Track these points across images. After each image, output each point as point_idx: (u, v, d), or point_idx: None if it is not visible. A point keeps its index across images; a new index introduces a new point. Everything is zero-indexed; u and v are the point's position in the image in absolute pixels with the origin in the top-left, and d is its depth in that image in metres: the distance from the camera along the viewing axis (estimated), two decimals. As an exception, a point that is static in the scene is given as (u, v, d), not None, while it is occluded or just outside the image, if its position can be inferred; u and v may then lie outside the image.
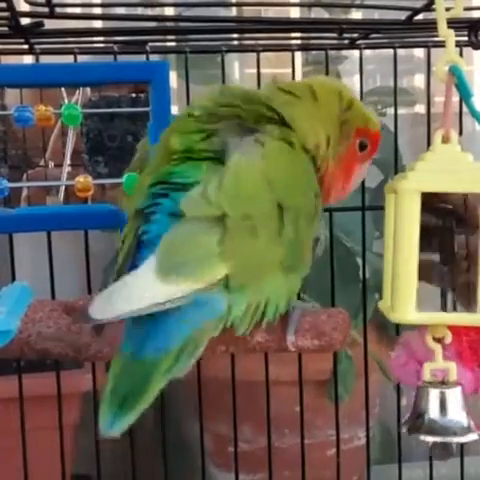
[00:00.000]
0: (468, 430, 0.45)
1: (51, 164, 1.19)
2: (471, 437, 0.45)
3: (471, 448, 1.02)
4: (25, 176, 1.11)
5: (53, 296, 0.74)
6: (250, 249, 0.48)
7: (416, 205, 0.44)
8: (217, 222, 0.47)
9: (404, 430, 0.47)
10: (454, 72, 0.45)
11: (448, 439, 0.45)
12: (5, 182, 0.66)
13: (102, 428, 0.44)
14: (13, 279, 0.74)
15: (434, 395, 0.46)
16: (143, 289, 0.46)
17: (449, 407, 0.46)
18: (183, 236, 0.47)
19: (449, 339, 0.46)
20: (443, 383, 0.46)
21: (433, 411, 0.46)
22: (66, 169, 0.86)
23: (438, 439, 0.45)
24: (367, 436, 0.89)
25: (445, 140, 0.46)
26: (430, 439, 0.46)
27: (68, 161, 0.85)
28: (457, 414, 0.46)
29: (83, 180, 0.68)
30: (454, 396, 0.46)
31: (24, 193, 1.11)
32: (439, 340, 0.46)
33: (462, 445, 0.87)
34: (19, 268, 0.75)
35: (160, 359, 0.46)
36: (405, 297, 0.44)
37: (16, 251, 0.76)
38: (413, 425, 0.47)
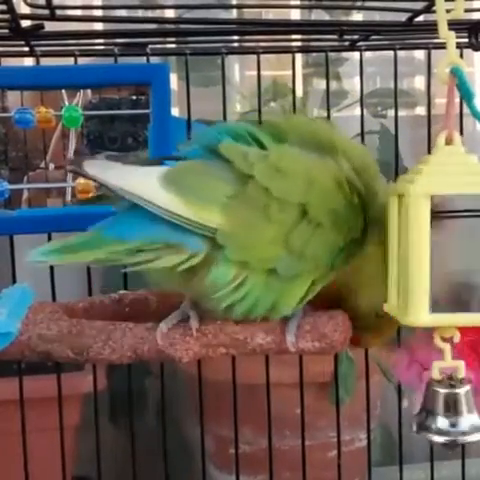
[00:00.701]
0: (477, 429, 0.45)
1: (52, 166, 1.19)
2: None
3: (472, 450, 1.02)
4: (26, 178, 1.11)
5: (54, 298, 0.74)
6: (253, 225, 0.48)
7: (426, 208, 0.43)
8: (241, 179, 0.48)
9: (413, 429, 0.47)
10: (455, 73, 0.45)
11: (457, 439, 0.45)
12: (6, 184, 0.67)
13: (32, 253, 0.47)
14: (14, 281, 0.74)
15: (443, 394, 0.46)
16: (140, 180, 0.48)
17: (458, 406, 0.46)
18: (205, 168, 0.49)
19: (458, 338, 0.46)
20: (451, 382, 0.46)
21: (442, 410, 0.46)
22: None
23: (447, 439, 0.45)
24: (368, 438, 0.89)
25: (448, 142, 0.45)
26: (439, 439, 0.45)
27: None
28: (466, 413, 0.45)
29: (84, 182, 0.68)
30: (463, 394, 0.46)
31: (25, 195, 1.11)
32: (447, 340, 0.46)
33: (463, 446, 0.87)
34: (20, 270, 0.75)
35: (115, 242, 0.47)
36: (418, 300, 0.44)
37: (17, 253, 0.76)
38: (422, 424, 0.46)
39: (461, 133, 0.78)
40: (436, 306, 0.44)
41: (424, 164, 0.45)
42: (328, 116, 0.82)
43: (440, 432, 0.45)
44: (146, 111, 0.67)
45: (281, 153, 0.50)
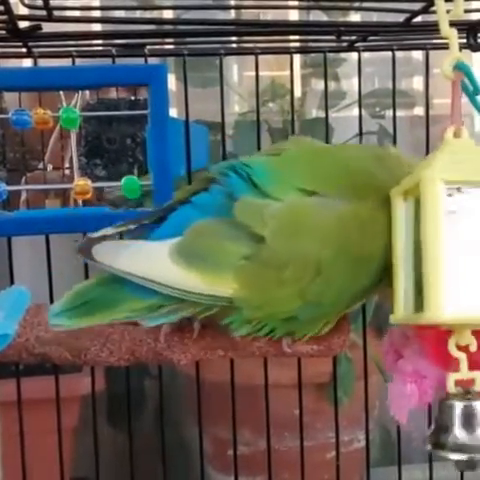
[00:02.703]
0: None
1: (50, 167, 1.19)
2: None
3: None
4: (24, 179, 1.11)
5: (51, 300, 0.74)
6: (268, 286, 0.47)
7: (441, 194, 0.42)
8: (255, 240, 0.47)
9: (428, 448, 0.44)
10: (462, 68, 0.44)
11: (475, 456, 0.43)
12: (3, 185, 0.66)
13: (49, 313, 0.47)
14: (12, 283, 0.74)
15: (458, 409, 0.43)
16: (150, 262, 0.47)
17: (475, 421, 0.43)
18: (217, 231, 0.47)
19: (474, 347, 0.43)
20: (468, 395, 0.44)
21: (458, 426, 0.43)
22: (76, 171, 0.86)
23: (464, 457, 0.43)
24: (367, 438, 0.89)
25: (456, 136, 0.44)
26: (456, 457, 0.43)
27: (75, 164, 0.85)
28: None
29: (82, 183, 0.68)
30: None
31: (23, 196, 1.11)
32: (463, 348, 0.44)
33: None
34: (18, 271, 0.75)
35: (135, 300, 0.47)
36: (436, 294, 0.41)
37: (15, 254, 0.76)
38: (437, 441, 0.44)
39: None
40: (457, 302, 0.42)
41: (434, 156, 0.44)
42: (326, 117, 0.82)
43: (457, 449, 0.43)
44: (144, 112, 0.67)
45: (295, 208, 0.48)
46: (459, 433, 0.43)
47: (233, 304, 0.47)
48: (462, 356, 0.43)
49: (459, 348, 0.44)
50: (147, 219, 0.51)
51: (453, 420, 0.44)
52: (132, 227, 0.51)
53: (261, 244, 0.47)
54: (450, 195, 0.43)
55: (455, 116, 0.45)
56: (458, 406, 0.44)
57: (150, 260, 0.47)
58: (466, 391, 0.44)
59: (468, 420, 0.43)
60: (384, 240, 0.47)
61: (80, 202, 0.72)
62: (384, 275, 0.48)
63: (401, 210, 0.46)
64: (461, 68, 0.44)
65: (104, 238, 0.49)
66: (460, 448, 0.43)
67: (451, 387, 0.43)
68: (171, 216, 0.50)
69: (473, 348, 0.43)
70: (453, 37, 0.45)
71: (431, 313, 0.42)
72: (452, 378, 0.43)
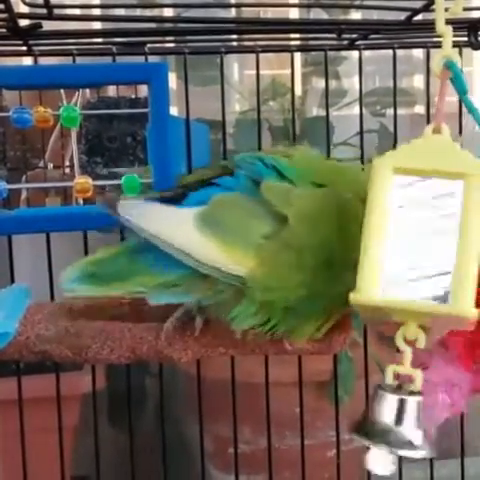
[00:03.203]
0: (414, 446, 0.42)
1: (50, 165, 1.19)
2: (420, 453, 0.42)
3: (472, 449, 1.02)
4: (24, 178, 1.11)
5: (52, 297, 0.74)
6: (284, 268, 0.47)
7: (388, 180, 0.42)
8: (278, 220, 0.47)
9: (352, 433, 0.44)
10: (450, 67, 0.44)
11: (388, 449, 0.42)
12: (4, 184, 0.66)
13: (63, 281, 0.47)
14: (12, 281, 0.74)
15: (389, 401, 0.43)
16: (175, 223, 0.47)
17: (402, 416, 0.43)
18: (243, 206, 0.48)
19: (422, 342, 0.43)
20: (403, 388, 0.43)
21: (386, 417, 0.43)
22: (77, 169, 0.86)
23: (379, 447, 0.42)
24: (367, 437, 0.89)
25: (436, 132, 0.44)
26: (368, 443, 0.42)
27: (76, 162, 0.85)
28: (409, 425, 0.43)
29: (82, 181, 0.68)
30: (411, 406, 0.43)
31: (23, 195, 1.11)
32: (410, 343, 0.43)
33: (462, 445, 0.87)
34: (18, 270, 0.75)
35: (150, 274, 0.47)
36: (370, 277, 0.42)
37: (15, 253, 0.76)
38: (358, 426, 0.44)
39: (460, 132, 0.78)
40: (392, 288, 0.42)
41: (404, 145, 0.44)
42: (327, 115, 0.81)
43: (374, 438, 0.42)
44: (145, 110, 0.67)
45: (316, 194, 0.49)
46: (384, 424, 0.43)
47: (245, 286, 0.47)
48: (407, 350, 0.43)
49: (407, 342, 0.43)
50: (168, 194, 0.51)
51: (382, 410, 0.43)
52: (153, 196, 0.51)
53: (283, 225, 0.47)
54: (403, 187, 0.43)
55: (438, 113, 0.45)
56: (389, 398, 0.43)
57: (174, 223, 0.47)
58: (398, 386, 0.44)
59: (397, 414, 0.43)
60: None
61: (81, 200, 0.72)
62: None
63: (380, 185, 0.44)
64: (449, 67, 0.44)
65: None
66: (382, 439, 0.43)
67: (389, 378, 0.43)
68: (193, 193, 0.50)
69: (420, 343, 0.43)
70: (447, 35, 0.45)
71: (363, 295, 0.42)
72: (391, 370, 0.43)
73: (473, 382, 0.47)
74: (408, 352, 0.43)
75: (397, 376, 0.43)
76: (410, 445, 0.42)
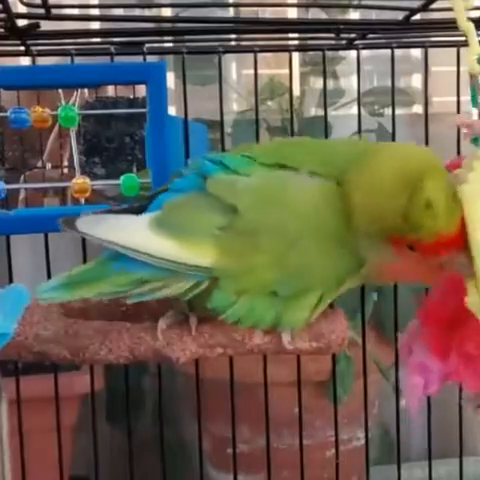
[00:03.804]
0: None
1: (48, 166, 1.19)
2: None
3: (470, 448, 1.02)
4: (22, 178, 1.11)
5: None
6: (245, 254, 0.48)
7: None
8: (228, 211, 0.48)
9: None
10: None
11: None
12: (2, 184, 0.66)
13: (38, 291, 0.48)
14: (10, 281, 0.74)
15: None
16: (130, 231, 0.49)
17: None
18: (195, 202, 0.50)
19: None
20: None
21: None
22: (77, 169, 0.86)
23: None
24: (366, 437, 0.89)
25: None
26: None
27: (76, 162, 0.85)
28: None
29: (80, 182, 0.68)
30: None
31: (22, 195, 1.11)
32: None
33: (461, 444, 0.87)
34: (16, 270, 0.75)
35: (120, 274, 0.48)
36: None
37: (13, 253, 0.76)
38: None
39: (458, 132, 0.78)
40: None
41: None
42: (325, 115, 0.81)
43: None
44: (143, 110, 0.67)
45: (265, 180, 0.50)
46: None
47: (213, 275, 0.48)
48: None
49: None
50: (131, 207, 0.53)
51: None
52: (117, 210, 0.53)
53: (235, 215, 0.48)
54: None
55: None
56: None
57: (130, 230, 0.49)
58: None
59: None
60: (347, 222, 0.48)
61: (82, 201, 0.72)
62: (363, 262, 0.49)
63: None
64: None
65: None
66: None
67: None
68: (152, 202, 0.52)
69: None
70: (471, 31, 0.44)
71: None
72: None
73: (443, 369, 0.49)
74: None
75: None
76: None
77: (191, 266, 0.48)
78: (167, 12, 1.22)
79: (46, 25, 0.68)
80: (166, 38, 0.84)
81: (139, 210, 0.52)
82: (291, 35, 0.83)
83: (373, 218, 0.47)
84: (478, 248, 0.43)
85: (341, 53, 1.23)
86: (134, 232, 0.49)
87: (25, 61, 0.92)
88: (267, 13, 1.36)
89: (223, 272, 0.48)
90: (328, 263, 0.49)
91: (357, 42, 0.80)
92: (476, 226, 0.44)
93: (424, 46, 0.80)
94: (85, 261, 0.75)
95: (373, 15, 1.06)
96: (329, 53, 0.80)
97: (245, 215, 0.48)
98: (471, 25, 0.44)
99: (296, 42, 0.85)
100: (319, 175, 0.50)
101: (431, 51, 0.81)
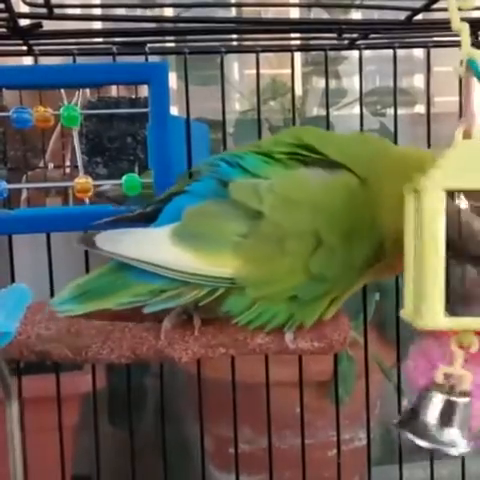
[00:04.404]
0: (461, 445, 0.44)
1: (51, 165, 1.19)
2: (461, 451, 0.44)
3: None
4: (24, 177, 1.11)
5: (52, 297, 0.74)
6: (269, 260, 0.48)
7: (441, 204, 0.41)
8: (251, 217, 0.48)
9: (396, 426, 0.45)
10: (471, 65, 0.43)
11: (437, 447, 0.44)
12: (4, 184, 0.66)
13: (52, 302, 0.48)
14: (12, 281, 0.74)
15: (438, 401, 0.44)
16: (154, 244, 0.48)
17: (452, 417, 0.44)
18: (213, 212, 0.48)
19: (476, 348, 0.44)
20: (451, 390, 0.44)
21: (431, 415, 0.44)
22: (81, 168, 0.86)
23: (428, 445, 0.44)
24: (368, 437, 0.89)
25: (466, 136, 0.43)
26: (420, 443, 0.44)
27: (80, 161, 0.85)
28: (458, 425, 0.44)
29: (83, 181, 0.68)
30: (460, 406, 0.44)
31: (24, 195, 1.11)
32: (464, 347, 0.44)
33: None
34: (19, 270, 0.75)
35: (138, 284, 0.48)
36: (433, 302, 0.42)
37: (15, 253, 0.76)
38: (408, 423, 0.45)
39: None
40: (454, 309, 0.42)
41: (442, 159, 0.43)
42: (327, 115, 0.81)
43: (423, 436, 0.44)
44: (145, 110, 0.67)
45: (287, 181, 0.49)
46: (431, 423, 0.44)
47: (235, 285, 0.48)
48: (459, 353, 0.44)
49: (461, 347, 0.44)
50: (144, 210, 0.53)
51: (429, 409, 0.44)
52: (131, 216, 0.53)
53: (258, 220, 0.47)
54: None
55: (468, 113, 0.44)
56: (439, 398, 0.44)
57: (151, 244, 0.48)
58: (450, 387, 0.44)
59: (444, 414, 0.44)
60: (371, 214, 0.48)
61: (87, 200, 0.72)
62: (380, 254, 0.49)
63: (411, 206, 0.45)
64: (470, 65, 0.43)
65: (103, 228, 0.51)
66: (427, 437, 0.44)
67: (439, 378, 0.44)
68: (167, 206, 0.51)
69: (474, 348, 0.44)
70: (465, 32, 0.44)
71: (427, 320, 0.42)
72: (442, 370, 0.44)
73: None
74: (460, 356, 0.44)
75: (446, 377, 0.44)
76: (453, 444, 0.44)
77: (213, 277, 0.47)
78: (169, 12, 1.23)
79: (48, 25, 0.68)
80: (168, 38, 0.84)
81: (153, 215, 0.51)
82: (293, 35, 0.83)
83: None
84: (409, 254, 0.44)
85: (343, 53, 1.23)
86: (157, 247, 0.48)
87: (27, 61, 0.92)
88: (269, 13, 1.36)
89: (245, 280, 0.48)
90: (350, 263, 0.49)
91: (359, 42, 0.80)
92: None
93: (426, 46, 0.80)
94: (87, 260, 0.75)
95: (375, 15, 1.06)
96: (331, 53, 0.80)
97: (271, 220, 0.47)
98: (465, 25, 0.43)
99: (298, 42, 0.85)
100: (339, 167, 0.50)
101: (433, 51, 0.81)
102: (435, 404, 0.44)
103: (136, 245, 0.48)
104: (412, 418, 0.45)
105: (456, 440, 0.44)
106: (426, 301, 0.42)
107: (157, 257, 0.47)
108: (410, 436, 0.44)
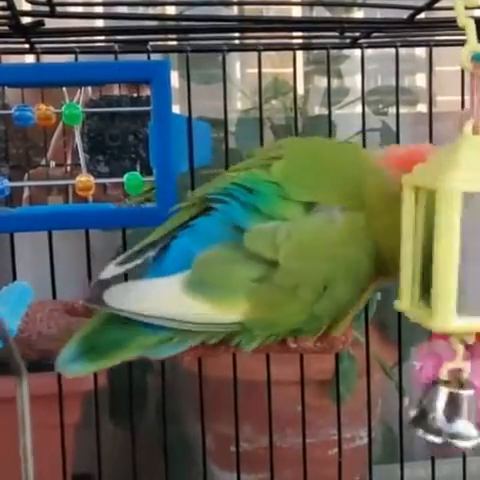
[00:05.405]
0: (473, 436, 0.44)
1: (52, 163, 1.19)
2: (473, 443, 0.44)
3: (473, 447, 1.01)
4: (26, 175, 1.11)
5: (54, 296, 0.74)
6: (279, 305, 0.48)
7: (457, 206, 0.41)
8: (265, 264, 0.47)
9: (409, 423, 0.46)
10: (477, 60, 0.43)
11: (450, 441, 0.44)
12: (6, 182, 0.66)
13: (59, 362, 0.46)
14: (14, 279, 0.74)
15: (445, 394, 0.45)
16: (165, 297, 0.46)
17: (459, 409, 0.44)
18: (225, 259, 0.47)
19: (471, 340, 0.44)
20: (458, 385, 0.45)
21: (441, 410, 0.45)
22: (83, 166, 0.86)
23: (439, 440, 0.44)
24: (369, 435, 0.89)
25: (475, 131, 0.43)
26: (432, 438, 0.44)
27: (82, 159, 0.85)
28: (465, 417, 0.44)
29: (84, 179, 0.68)
30: (465, 399, 0.44)
31: (25, 193, 1.11)
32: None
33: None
34: (20, 268, 0.75)
35: (147, 335, 0.46)
36: (445, 304, 0.42)
37: (17, 251, 0.76)
38: (417, 421, 0.46)
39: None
40: (465, 310, 0.42)
41: (452, 156, 0.42)
42: (329, 114, 0.81)
43: (435, 431, 0.44)
44: (147, 108, 0.67)
45: (305, 228, 0.48)
46: (441, 418, 0.45)
47: (243, 326, 0.48)
48: (460, 348, 0.44)
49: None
50: (151, 251, 0.50)
51: (437, 404, 0.45)
52: (139, 263, 0.50)
53: (273, 267, 0.47)
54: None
55: (475, 108, 0.43)
56: (445, 392, 0.45)
57: (161, 297, 0.47)
58: (456, 381, 0.45)
59: (451, 408, 0.45)
60: (373, 242, 0.48)
61: (90, 198, 0.72)
62: (381, 272, 0.49)
63: (410, 201, 0.44)
64: (477, 59, 0.43)
65: (112, 281, 0.48)
66: (438, 432, 0.44)
67: (443, 374, 0.44)
68: (174, 245, 0.50)
69: (470, 341, 0.45)
70: (470, 27, 0.44)
71: (440, 322, 0.42)
72: (446, 367, 0.44)
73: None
74: (461, 350, 0.44)
75: (452, 373, 0.45)
76: (465, 437, 0.44)
77: (222, 324, 0.47)
78: (171, 10, 1.23)
79: (50, 23, 0.68)
80: (170, 36, 0.84)
81: (159, 255, 0.49)
82: (295, 34, 0.83)
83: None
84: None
85: (345, 52, 1.23)
86: (168, 301, 0.46)
87: (29, 59, 0.92)
88: (271, 11, 1.36)
89: (253, 324, 0.47)
90: (355, 298, 0.50)
91: (361, 41, 0.80)
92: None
93: (429, 45, 0.80)
94: (88, 260, 0.75)
95: (378, 14, 1.06)
96: (333, 52, 0.80)
97: (285, 268, 0.47)
98: (471, 21, 0.43)
99: (300, 41, 0.85)
100: (348, 208, 0.49)
101: (435, 50, 0.81)
102: (442, 399, 0.45)
103: (145, 299, 0.47)
104: (422, 416, 0.45)
105: (468, 433, 0.44)
106: (438, 303, 0.42)
107: (169, 311, 0.46)
108: (424, 434, 0.45)
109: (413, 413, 0.46)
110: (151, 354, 0.48)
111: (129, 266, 0.50)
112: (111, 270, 0.49)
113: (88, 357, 0.46)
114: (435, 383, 0.45)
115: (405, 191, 0.45)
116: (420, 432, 0.45)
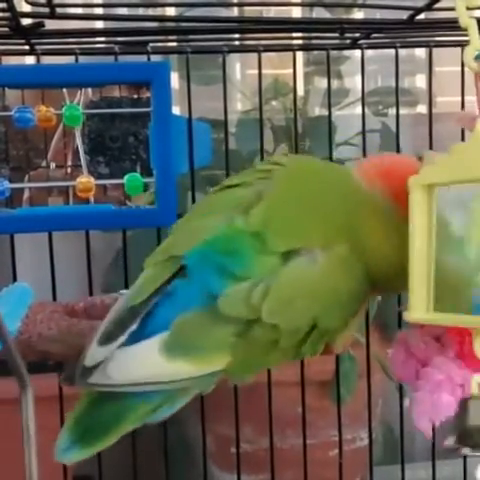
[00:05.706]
0: None
1: (53, 165, 1.19)
2: None
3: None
4: (27, 177, 1.11)
5: (54, 297, 0.74)
6: (261, 355, 0.47)
7: (426, 199, 0.41)
8: (245, 322, 0.46)
9: (450, 443, 0.45)
10: None
11: None
12: (6, 183, 0.66)
13: (57, 452, 0.46)
14: (14, 280, 0.74)
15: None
16: (144, 364, 0.45)
17: None
18: (203, 320, 0.46)
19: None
20: None
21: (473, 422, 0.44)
22: (84, 168, 0.86)
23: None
24: (370, 437, 0.89)
25: None
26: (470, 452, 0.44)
27: (83, 160, 0.85)
28: None
29: (85, 181, 0.68)
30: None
31: (26, 194, 1.11)
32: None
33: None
34: (20, 269, 0.75)
35: (141, 405, 0.46)
36: (419, 296, 0.42)
37: (17, 252, 0.76)
38: (463, 440, 0.45)
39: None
40: (441, 305, 0.43)
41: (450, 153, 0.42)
42: (329, 115, 0.81)
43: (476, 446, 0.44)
44: (147, 110, 0.67)
45: (283, 281, 0.46)
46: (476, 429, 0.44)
47: (228, 371, 0.47)
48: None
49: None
50: (133, 323, 0.47)
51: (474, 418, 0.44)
52: (123, 340, 0.47)
53: (253, 323, 0.46)
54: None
55: None
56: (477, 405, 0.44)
57: (143, 364, 0.45)
58: None
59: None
60: (364, 271, 0.47)
61: (92, 199, 0.72)
62: (378, 280, 0.48)
63: (423, 200, 0.43)
64: None
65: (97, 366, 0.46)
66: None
67: (474, 388, 0.44)
68: (153, 315, 0.47)
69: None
70: (472, 27, 0.44)
71: (413, 314, 0.43)
72: (476, 380, 0.44)
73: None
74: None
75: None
76: None
77: (205, 376, 0.46)
78: (171, 11, 1.22)
79: (50, 24, 0.68)
80: (170, 37, 0.84)
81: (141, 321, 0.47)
82: (295, 34, 0.83)
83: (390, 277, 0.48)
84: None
85: (345, 53, 1.23)
86: (149, 366, 0.45)
87: (30, 60, 0.92)
88: (271, 12, 1.36)
89: (236, 370, 0.47)
90: (350, 317, 0.49)
91: (361, 42, 0.80)
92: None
93: (428, 46, 0.80)
94: (88, 260, 0.75)
95: (377, 14, 1.06)
96: (333, 53, 0.80)
97: (266, 323, 0.46)
98: (473, 21, 0.43)
99: (300, 42, 0.85)
100: (332, 241, 0.47)
101: (435, 51, 0.81)
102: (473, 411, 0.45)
103: (127, 369, 0.45)
104: (468, 435, 0.45)
105: None
106: (413, 295, 0.43)
107: (151, 376, 0.45)
108: (472, 451, 0.45)
109: (452, 436, 0.45)
110: (151, 420, 0.47)
111: (113, 347, 0.47)
112: (95, 353, 0.47)
113: (85, 442, 0.46)
114: (466, 400, 0.44)
115: (413, 191, 0.43)
116: (467, 450, 0.44)
